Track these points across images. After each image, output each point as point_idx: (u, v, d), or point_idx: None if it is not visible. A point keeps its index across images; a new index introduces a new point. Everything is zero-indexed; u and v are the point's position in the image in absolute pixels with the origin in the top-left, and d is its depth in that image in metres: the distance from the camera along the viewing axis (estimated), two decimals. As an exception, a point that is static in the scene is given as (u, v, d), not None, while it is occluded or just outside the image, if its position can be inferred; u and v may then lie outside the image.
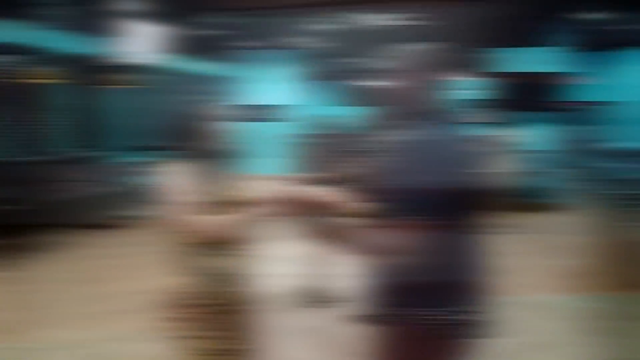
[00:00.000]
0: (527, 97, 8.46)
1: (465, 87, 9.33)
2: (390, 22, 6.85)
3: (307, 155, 4.52)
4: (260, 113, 12.43)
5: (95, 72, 8.33)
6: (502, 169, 5.34)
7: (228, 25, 6.74)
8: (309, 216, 1.44)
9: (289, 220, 1.54)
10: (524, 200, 6.81)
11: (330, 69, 14.86)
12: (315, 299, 4.08)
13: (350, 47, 10.20)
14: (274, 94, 12.31)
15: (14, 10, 6.28)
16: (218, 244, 1.65)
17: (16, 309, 4.05)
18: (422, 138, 1.27)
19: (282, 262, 4.59)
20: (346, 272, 2.30)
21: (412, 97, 1.36)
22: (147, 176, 7.54)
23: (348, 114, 4.03)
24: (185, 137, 1.73)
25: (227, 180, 1.74)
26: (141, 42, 7.70)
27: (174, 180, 1.63)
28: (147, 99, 9.70)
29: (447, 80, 1.41)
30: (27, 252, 5.71)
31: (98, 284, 4.84)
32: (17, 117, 7.25)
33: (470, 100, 9.27)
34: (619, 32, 9.25)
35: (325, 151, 4.31)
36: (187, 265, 1.69)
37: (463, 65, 9.69)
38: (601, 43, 10.35)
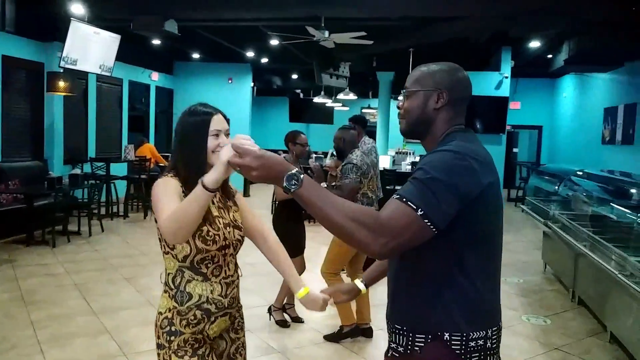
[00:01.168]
0: (471, 118, 8.84)
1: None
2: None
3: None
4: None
5: (38, 78, 7.98)
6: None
7: (173, 37, 6.67)
8: None
9: None
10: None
11: (281, 84, 14.97)
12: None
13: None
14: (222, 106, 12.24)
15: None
16: None
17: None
18: None
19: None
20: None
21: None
22: (89, 188, 7.37)
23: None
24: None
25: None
26: (87, 49, 7.44)
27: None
28: (91, 107, 9.41)
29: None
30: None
31: (42, 305, 4.59)
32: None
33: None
34: (552, 60, 9.88)
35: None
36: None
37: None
38: (536, 69, 11.04)
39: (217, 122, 1.74)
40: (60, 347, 3.68)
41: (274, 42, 8.89)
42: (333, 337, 4.01)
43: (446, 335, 1.37)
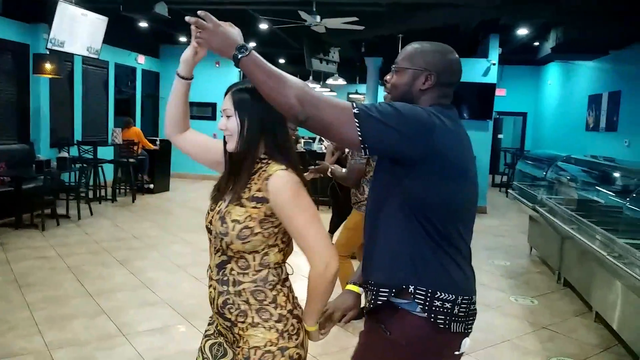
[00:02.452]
0: (459, 104, 8.93)
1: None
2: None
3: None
4: (195, 110, 12.26)
5: (23, 60, 7.85)
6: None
7: (161, 20, 6.62)
8: None
9: None
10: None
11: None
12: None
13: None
14: (210, 90, 12.18)
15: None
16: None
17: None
18: None
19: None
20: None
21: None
22: (78, 171, 7.32)
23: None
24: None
25: None
26: (74, 31, 7.34)
27: None
28: (77, 90, 9.29)
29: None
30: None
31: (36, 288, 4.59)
32: None
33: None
34: (539, 48, 10.00)
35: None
36: None
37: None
38: (526, 57, 11.16)
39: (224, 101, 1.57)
40: (59, 328, 3.70)
41: (264, 26, 8.85)
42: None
43: (411, 288, 1.39)
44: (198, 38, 1.41)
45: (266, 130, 1.48)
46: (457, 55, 1.52)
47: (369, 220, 1.54)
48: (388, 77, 1.54)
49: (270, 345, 1.46)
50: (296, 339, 1.50)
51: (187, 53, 1.56)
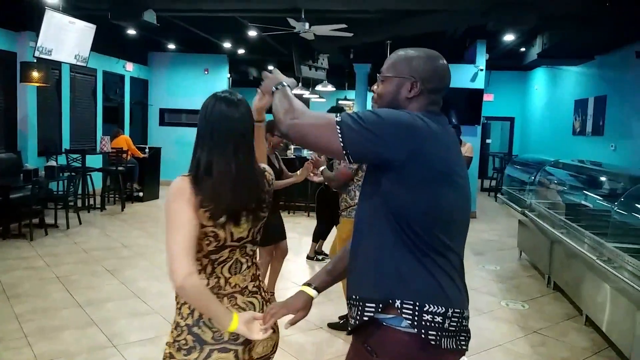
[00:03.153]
0: (448, 110, 8.99)
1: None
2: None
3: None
4: (183, 117, 12.24)
5: (10, 68, 7.79)
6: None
7: (149, 27, 6.60)
8: None
9: None
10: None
11: (257, 75, 14.90)
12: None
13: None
14: (198, 98, 12.16)
15: None
16: None
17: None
18: None
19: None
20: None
21: None
22: (67, 180, 7.26)
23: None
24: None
25: None
26: (62, 39, 7.30)
27: None
28: (65, 98, 9.23)
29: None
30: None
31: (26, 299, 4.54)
32: None
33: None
34: (525, 53, 10.12)
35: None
36: None
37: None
38: (512, 63, 11.28)
39: None
40: (48, 340, 3.66)
41: (252, 33, 8.86)
42: (337, 326, 4.06)
43: (397, 302, 1.31)
44: (261, 85, 1.64)
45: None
46: (444, 61, 1.49)
47: (354, 233, 1.50)
48: (375, 86, 1.54)
49: (167, 347, 1.58)
50: (185, 355, 1.51)
51: (255, 99, 1.74)
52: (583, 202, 4.83)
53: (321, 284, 1.64)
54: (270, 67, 1.66)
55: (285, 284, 5.01)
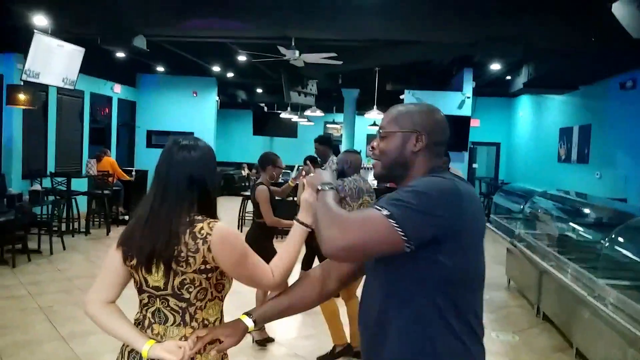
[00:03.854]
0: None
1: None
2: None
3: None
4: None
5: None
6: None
7: (140, 50, 6.59)
8: None
9: None
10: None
11: (246, 98, 14.94)
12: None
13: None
14: (186, 120, 12.14)
15: None
16: None
17: None
18: None
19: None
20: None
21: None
22: (52, 204, 7.14)
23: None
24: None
25: None
26: (50, 62, 7.25)
27: None
28: (51, 120, 9.13)
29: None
30: None
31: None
32: None
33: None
34: (511, 82, 10.28)
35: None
36: None
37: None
38: (497, 89, 11.46)
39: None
40: (30, 377, 3.55)
41: (242, 58, 8.90)
42: (326, 358, 4.02)
43: None
44: (307, 178, 1.59)
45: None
46: (442, 114, 1.50)
47: (376, 306, 1.41)
48: (374, 143, 1.50)
49: None
50: None
51: (305, 195, 1.64)
52: (572, 234, 4.86)
53: (260, 317, 1.59)
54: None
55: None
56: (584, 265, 3.99)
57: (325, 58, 7.00)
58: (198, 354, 1.53)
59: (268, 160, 4.27)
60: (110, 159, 9.66)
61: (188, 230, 1.49)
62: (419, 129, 1.43)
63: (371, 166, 13.19)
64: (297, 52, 6.72)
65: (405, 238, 1.22)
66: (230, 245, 1.51)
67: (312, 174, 1.57)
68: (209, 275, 1.52)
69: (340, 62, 7.26)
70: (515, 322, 5.22)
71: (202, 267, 1.50)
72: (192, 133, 12.12)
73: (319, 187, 1.44)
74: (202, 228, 1.49)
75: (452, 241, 1.27)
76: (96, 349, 4.07)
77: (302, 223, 1.62)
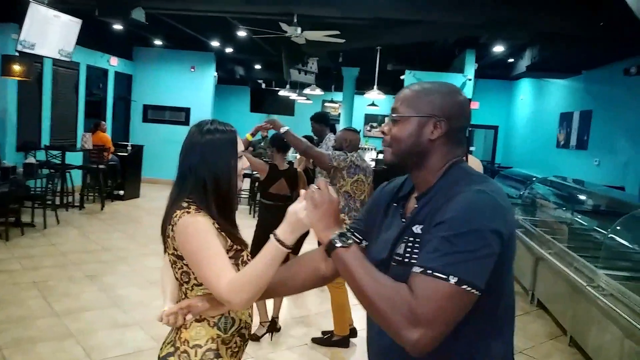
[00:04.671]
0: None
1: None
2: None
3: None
4: (168, 115, 12.04)
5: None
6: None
7: (138, 22, 6.42)
8: None
9: None
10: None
11: (245, 74, 14.75)
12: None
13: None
14: (183, 95, 11.98)
15: None
16: None
17: None
18: None
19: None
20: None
21: None
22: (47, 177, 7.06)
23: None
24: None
25: None
26: (46, 33, 7.08)
27: None
28: (46, 92, 8.99)
29: None
30: None
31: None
32: None
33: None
34: (514, 65, 10.16)
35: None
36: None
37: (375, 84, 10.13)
38: (498, 72, 11.34)
39: (240, 143, 1.60)
40: (23, 353, 3.52)
41: (242, 33, 8.73)
42: (321, 342, 4.00)
43: None
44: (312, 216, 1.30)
45: None
46: (465, 96, 1.32)
47: None
48: (386, 128, 1.32)
49: None
50: None
51: (300, 229, 1.37)
52: (570, 222, 4.84)
53: None
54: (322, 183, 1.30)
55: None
56: (583, 254, 3.98)
57: (327, 36, 6.86)
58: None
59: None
60: (102, 136, 9.41)
61: (173, 219, 1.49)
62: (438, 113, 1.25)
63: (369, 147, 13.13)
64: (299, 29, 6.58)
65: (480, 293, 1.09)
66: (184, 238, 1.45)
67: (316, 186, 1.29)
68: (184, 261, 1.50)
69: (343, 41, 7.13)
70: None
71: (175, 252, 1.50)
72: (189, 109, 12.00)
73: (335, 243, 1.20)
74: (176, 215, 1.48)
75: (499, 262, 1.14)
76: (91, 326, 4.04)
77: (280, 242, 1.34)
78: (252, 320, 1.68)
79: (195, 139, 1.56)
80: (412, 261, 1.17)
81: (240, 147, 1.60)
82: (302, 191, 1.31)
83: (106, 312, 4.35)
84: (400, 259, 1.23)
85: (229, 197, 1.55)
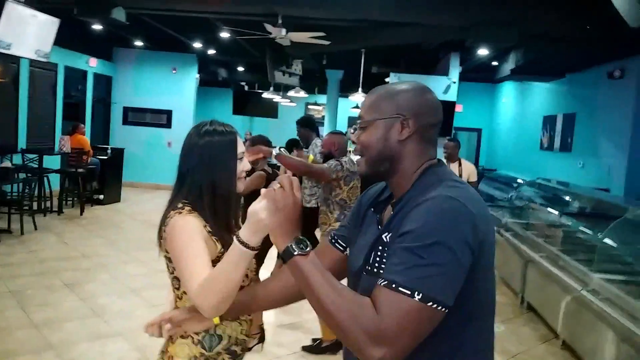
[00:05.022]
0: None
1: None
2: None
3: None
4: (148, 117, 11.82)
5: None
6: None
7: (118, 22, 6.25)
8: None
9: None
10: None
11: (227, 76, 14.59)
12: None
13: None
14: (164, 97, 11.78)
15: None
16: None
17: None
18: None
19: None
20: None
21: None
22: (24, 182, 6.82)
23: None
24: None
25: None
26: (22, 33, 6.87)
27: None
28: (22, 94, 8.73)
29: None
30: None
31: None
32: None
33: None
34: (498, 68, 10.20)
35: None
36: None
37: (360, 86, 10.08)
38: (482, 75, 11.38)
39: (240, 144, 1.54)
40: (0, 367, 3.35)
41: (225, 34, 8.59)
42: (311, 349, 3.90)
43: None
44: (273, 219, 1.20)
45: None
46: (433, 93, 1.25)
47: None
48: (353, 136, 1.26)
49: None
50: None
51: (264, 230, 1.31)
52: (560, 224, 4.82)
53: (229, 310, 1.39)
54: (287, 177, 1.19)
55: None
56: (576, 257, 3.94)
57: (312, 37, 6.77)
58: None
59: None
60: (80, 138, 9.14)
61: (167, 215, 1.48)
62: (404, 111, 1.19)
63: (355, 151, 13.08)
64: (284, 31, 6.48)
65: (444, 307, 1.02)
66: (171, 237, 1.42)
67: (278, 184, 1.18)
68: (174, 264, 1.45)
69: (328, 42, 7.05)
70: (500, 312, 5.18)
71: (167, 254, 1.46)
72: (170, 111, 11.81)
73: (292, 250, 1.11)
74: (169, 216, 1.46)
75: (472, 272, 1.07)
76: (71, 337, 3.88)
77: (243, 243, 1.26)
78: (248, 336, 1.59)
79: (193, 141, 1.51)
80: (381, 271, 1.10)
81: (241, 148, 1.53)
82: (263, 190, 1.22)
83: (87, 323, 4.18)
84: (370, 268, 1.17)
85: (226, 200, 1.50)
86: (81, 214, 8.39)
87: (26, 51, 7.15)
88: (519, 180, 6.44)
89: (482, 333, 1.19)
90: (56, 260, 5.82)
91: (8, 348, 3.62)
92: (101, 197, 9.35)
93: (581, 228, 4.41)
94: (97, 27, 8.91)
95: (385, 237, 1.16)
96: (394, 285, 1.01)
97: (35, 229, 7.06)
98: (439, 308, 1.01)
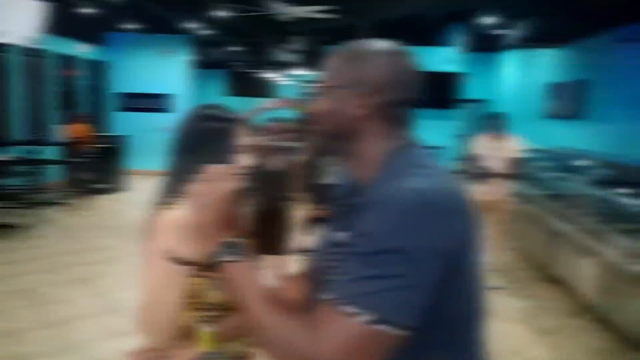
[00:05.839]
0: (428, 94, 8.76)
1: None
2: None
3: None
4: (145, 102, 11.53)
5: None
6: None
7: (108, 5, 5.97)
8: None
9: None
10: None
11: (223, 57, 14.25)
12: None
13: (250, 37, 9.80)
14: (160, 81, 11.47)
15: None
16: None
17: None
18: None
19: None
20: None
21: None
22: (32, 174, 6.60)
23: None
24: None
25: None
26: (10, 19, 6.57)
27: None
28: (14, 83, 8.44)
29: None
30: None
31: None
32: None
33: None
34: (502, 36, 9.94)
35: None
36: None
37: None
38: (486, 45, 11.12)
39: (243, 134, 1.35)
40: (18, 372, 3.18)
41: (221, 13, 8.28)
42: None
43: None
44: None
45: None
46: (409, 58, 0.99)
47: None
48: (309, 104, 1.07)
49: None
50: None
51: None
52: (588, 194, 4.64)
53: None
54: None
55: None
56: (612, 226, 3.78)
57: (313, 12, 6.51)
58: None
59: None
60: (79, 126, 8.90)
61: None
62: (367, 82, 0.95)
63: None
64: (284, 6, 6.21)
65: (407, 332, 0.83)
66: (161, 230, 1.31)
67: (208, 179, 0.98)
68: None
69: (330, 16, 6.79)
70: (524, 287, 5.05)
71: None
72: (168, 95, 11.51)
73: (222, 256, 0.91)
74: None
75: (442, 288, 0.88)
76: (88, 336, 3.71)
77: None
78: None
79: (185, 129, 1.33)
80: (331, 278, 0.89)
81: (245, 139, 1.28)
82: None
83: (103, 320, 4.00)
84: (325, 276, 0.97)
85: None
86: (85, 205, 8.18)
87: (14, 38, 6.88)
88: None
89: (465, 348, 0.98)
90: (64, 254, 5.63)
91: (24, 351, 3.44)
92: (104, 186, 9.12)
93: (612, 197, 4.23)
94: (88, 10, 8.58)
95: (343, 237, 0.94)
96: (339, 302, 0.82)
97: (40, 222, 6.84)
98: (394, 331, 0.82)
